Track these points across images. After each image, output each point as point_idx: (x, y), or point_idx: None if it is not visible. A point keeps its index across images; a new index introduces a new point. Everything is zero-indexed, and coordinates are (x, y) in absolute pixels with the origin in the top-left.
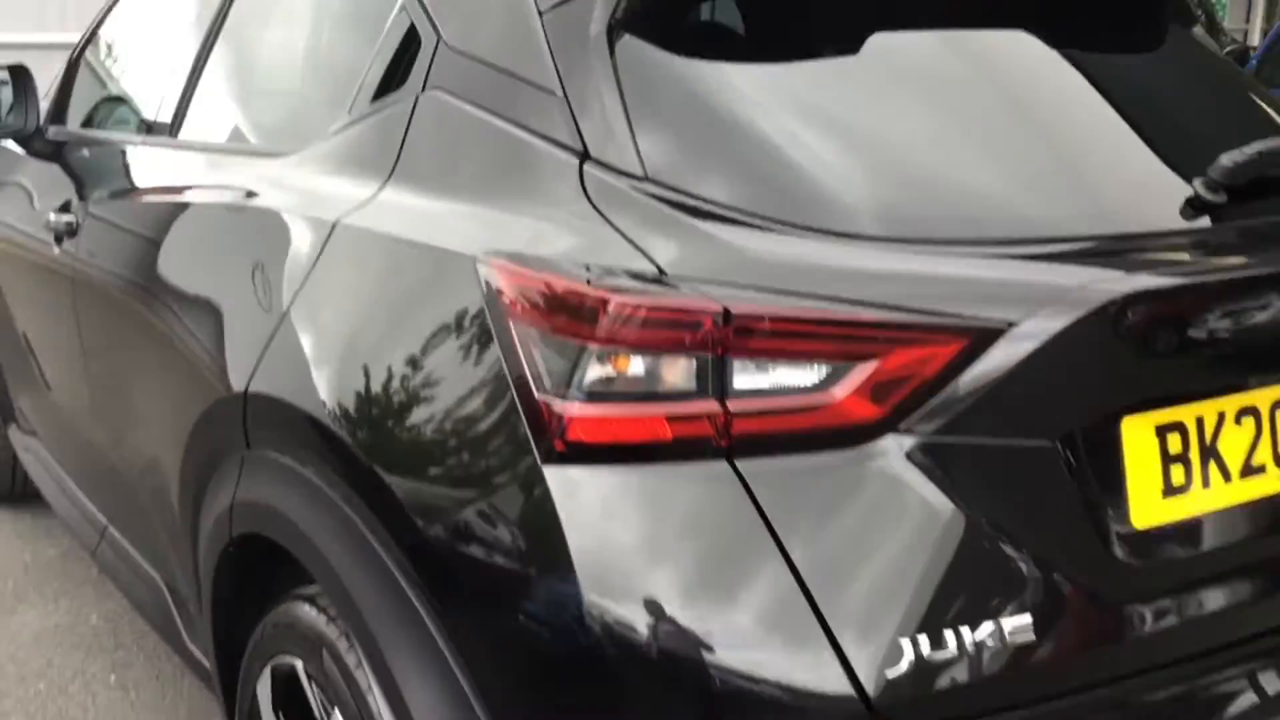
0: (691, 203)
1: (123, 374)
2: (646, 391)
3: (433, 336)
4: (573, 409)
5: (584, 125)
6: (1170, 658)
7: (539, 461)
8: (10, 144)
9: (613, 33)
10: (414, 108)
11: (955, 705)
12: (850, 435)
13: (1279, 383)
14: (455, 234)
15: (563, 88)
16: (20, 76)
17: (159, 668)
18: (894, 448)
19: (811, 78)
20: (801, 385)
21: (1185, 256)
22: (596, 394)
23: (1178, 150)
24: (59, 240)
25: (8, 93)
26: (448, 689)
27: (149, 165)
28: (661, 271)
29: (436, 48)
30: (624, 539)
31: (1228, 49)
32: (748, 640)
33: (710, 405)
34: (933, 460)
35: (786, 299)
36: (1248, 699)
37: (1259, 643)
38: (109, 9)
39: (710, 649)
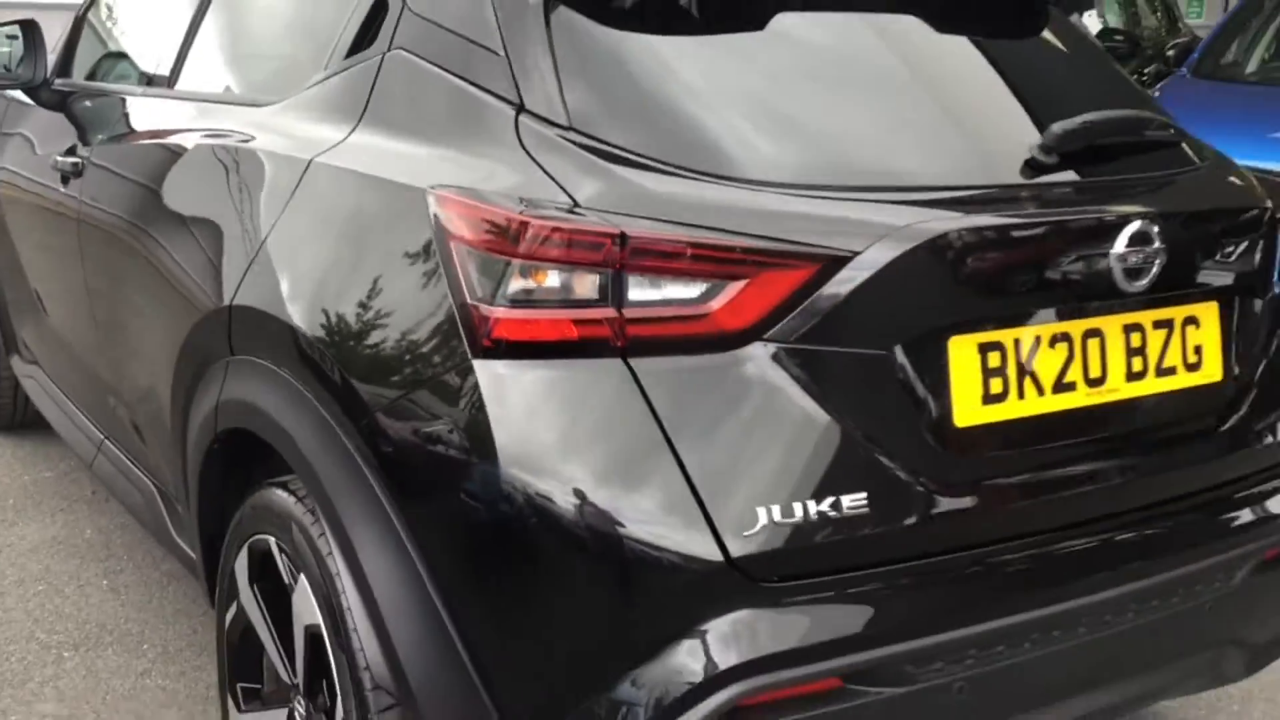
0: (605, 148)
1: (122, 299)
2: (558, 300)
3: (388, 255)
4: (498, 312)
5: (521, 81)
6: (990, 537)
7: (469, 356)
8: (19, 95)
9: (549, 3)
10: (380, 64)
11: (801, 563)
12: (723, 341)
13: (1088, 316)
14: (410, 171)
15: (505, 49)
16: (30, 30)
17: (146, 574)
18: (759, 352)
19: (714, 47)
20: (684, 298)
21: (1010, 205)
22: (517, 300)
23: (1027, 119)
24: (65, 180)
25: (19, 46)
26: (395, 551)
27: (148, 113)
28: (575, 203)
29: (402, 12)
30: (537, 422)
31: (1176, 42)
32: (636, 506)
33: (609, 312)
34: (789, 363)
35: (674, 227)
36: (1051, 580)
37: (1068, 532)
38: None
39: (605, 514)
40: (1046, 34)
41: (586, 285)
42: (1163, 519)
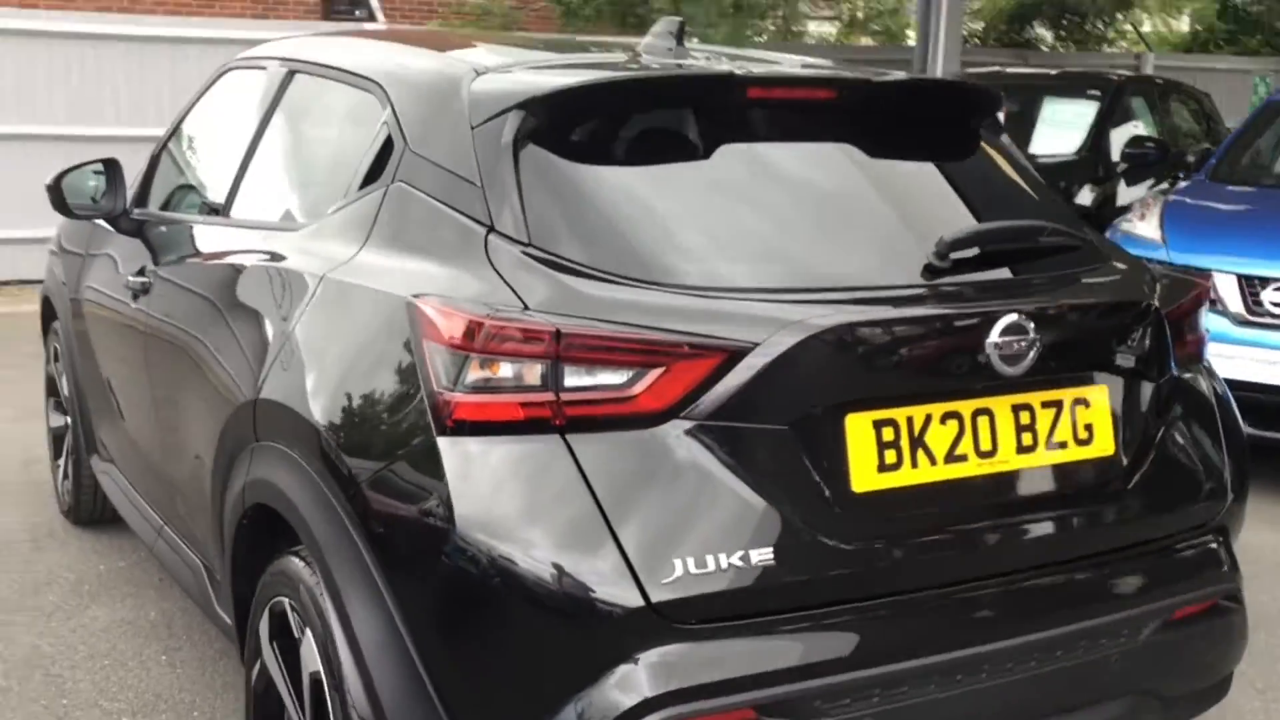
0: (556, 260)
1: (176, 398)
2: (507, 386)
3: (377, 353)
4: (458, 397)
5: (492, 206)
6: (892, 588)
7: (434, 435)
8: (103, 223)
9: (516, 143)
10: (385, 193)
11: (715, 608)
12: (644, 420)
13: (976, 396)
14: (398, 282)
15: (481, 180)
16: (111, 167)
17: (201, 651)
18: (675, 429)
19: (651, 174)
20: (611, 384)
21: (898, 302)
22: (475, 387)
23: (931, 228)
24: (135, 298)
25: (103, 182)
26: (377, 605)
27: (204, 238)
28: (525, 306)
29: (404, 151)
30: (490, 490)
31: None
32: (570, 560)
33: (549, 396)
34: (702, 437)
35: (603, 325)
36: (953, 628)
37: (969, 585)
38: (182, 116)
39: (544, 566)
40: (974, 153)
41: (530, 374)
42: (1061, 578)
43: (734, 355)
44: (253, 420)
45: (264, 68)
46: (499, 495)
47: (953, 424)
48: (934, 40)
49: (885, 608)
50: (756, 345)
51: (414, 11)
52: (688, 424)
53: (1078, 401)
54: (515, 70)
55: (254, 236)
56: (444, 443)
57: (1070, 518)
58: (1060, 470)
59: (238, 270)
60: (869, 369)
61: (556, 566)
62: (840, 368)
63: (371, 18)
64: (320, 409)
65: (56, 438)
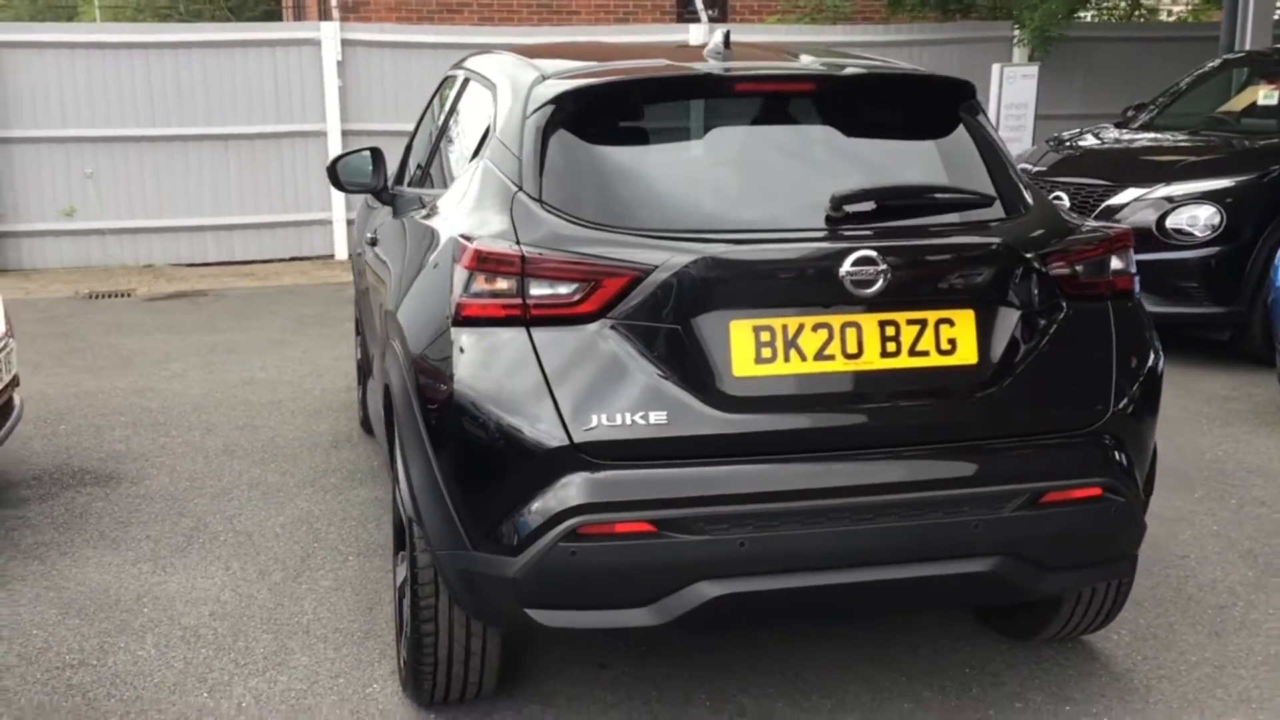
0: (552, 210)
1: (373, 321)
2: (494, 293)
3: (436, 274)
4: (463, 300)
5: (524, 172)
6: (767, 448)
7: (450, 326)
8: (372, 198)
9: (546, 128)
10: (478, 165)
11: (620, 451)
12: (582, 319)
13: (846, 312)
14: (456, 226)
15: (521, 154)
16: (375, 153)
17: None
18: (602, 326)
19: (626, 150)
20: (560, 294)
21: (780, 240)
22: (475, 294)
23: (850, 188)
24: (372, 246)
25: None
26: (419, 446)
27: (405, 201)
28: (518, 240)
29: (490, 136)
30: (478, 362)
31: None
32: (525, 412)
33: (518, 301)
34: (621, 332)
35: (556, 253)
36: (816, 481)
37: (836, 452)
38: (422, 112)
39: (509, 416)
40: (933, 132)
41: (508, 285)
42: (920, 454)
43: (642, 275)
44: (385, 326)
45: (456, 75)
46: (484, 368)
47: (823, 332)
48: (1242, 12)
49: (759, 462)
50: (656, 268)
51: (762, 8)
52: (611, 322)
53: (942, 321)
54: (568, 76)
55: (422, 198)
56: (454, 332)
57: (929, 409)
58: (921, 372)
59: (404, 223)
60: (749, 287)
61: (515, 416)
62: (723, 285)
63: (719, 18)
64: (406, 314)
65: (358, 366)
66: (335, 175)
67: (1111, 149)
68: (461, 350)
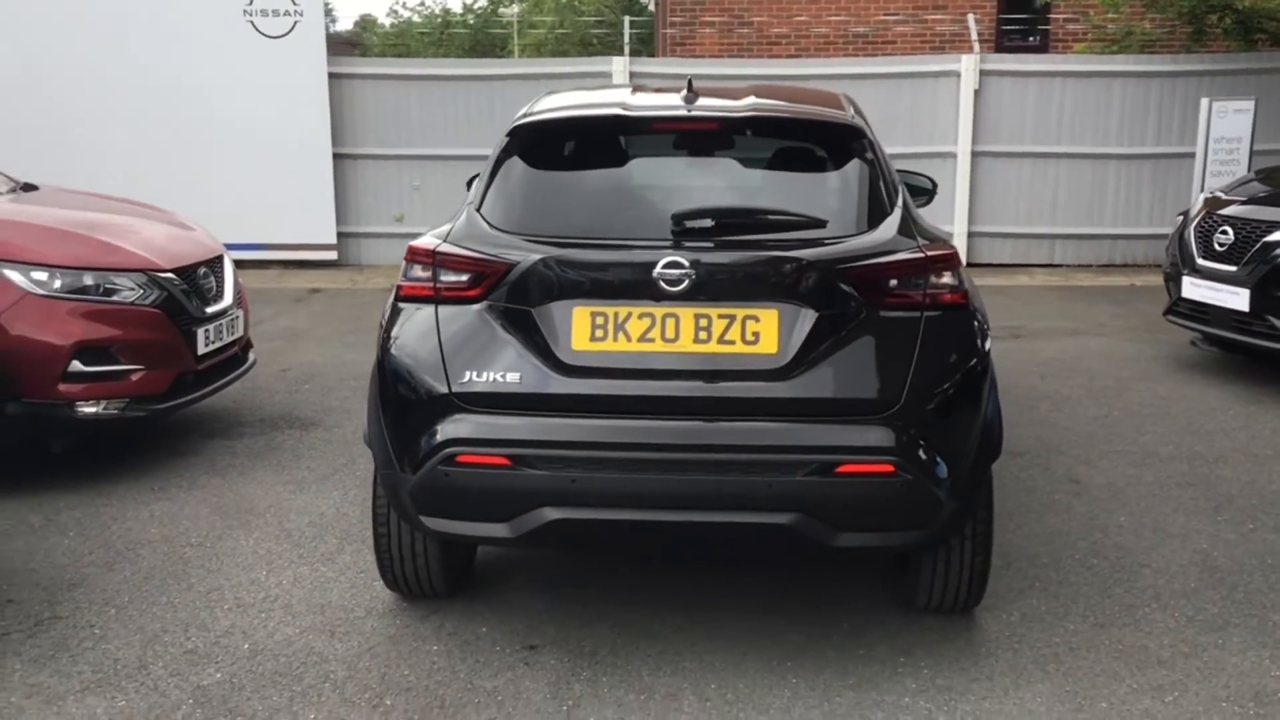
0: (485, 220)
1: None
2: (418, 278)
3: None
4: (401, 283)
5: (485, 194)
6: (597, 408)
7: (393, 301)
8: None
9: (500, 155)
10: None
11: (486, 402)
12: (471, 300)
13: (667, 305)
14: (442, 232)
15: (485, 174)
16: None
17: None
18: (480, 306)
19: (546, 173)
20: (459, 281)
21: (617, 247)
22: (409, 278)
23: (702, 206)
24: None
25: None
26: (371, 395)
27: None
28: (447, 240)
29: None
30: (404, 329)
31: None
32: (423, 366)
33: (432, 285)
34: (493, 311)
35: (465, 251)
36: (633, 437)
37: (652, 415)
38: None
39: (415, 369)
40: (812, 163)
41: (424, 271)
42: (723, 422)
43: (509, 269)
44: None
45: None
46: (406, 333)
47: (647, 319)
48: None
49: (588, 418)
50: (519, 264)
51: (1069, 35)
52: (488, 303)
53: (749, 317)
54: (544, 112)
55: None
56: (394, 305)
57: (733, 387)
58: (728, 357)
59: None
60: (587, 281)
61: (419, 370)
62: (568, 279)
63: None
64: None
65: None
66: None
67: None
68: (395, 319)
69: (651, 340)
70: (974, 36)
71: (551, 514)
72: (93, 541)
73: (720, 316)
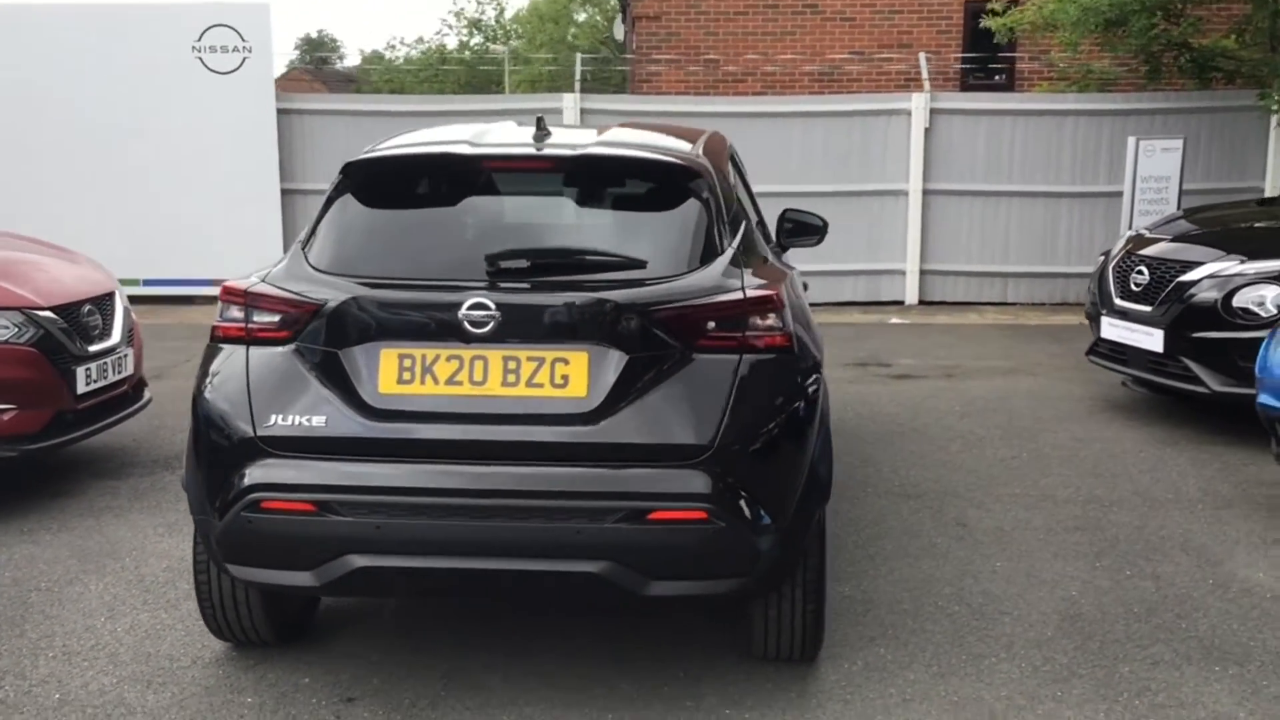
0: (309, 261)
1: None
2: (230, 318)
3: None
4: (216, 323)
5: (313, 233)
6: (404, 452)
7: (209, 342)
8: None
9: (331, 193)
10: None
11: (290, 446)
12: (280, 342)
13: (475, 347)
14: (256, 274)
15: (316, 216)
16: None
17: None
18: (289, 347)
19: (369, 213)
20: (270, 322)
21: (424, 287)
22: (223, 318)
23: (522, 246)
24: None
25: None
26: (189, 436)
27: None
28: (263, 280)
29: None
30: (214, 370)
31: None
32: (230, 407)
33: (243, 325)
34: (303, 353)
35: (277, 291)
36: (441, 483)
37: (457, 460)
38: None
39: (222, 408)
40: (647, 203)
41: (239, 311)
42: (528, 469)
43: (317, 309)
44: None
45: None
46: (215, 374)
47: (455, 362)
48: None
49: (393, 463)
50: (326, 303)
51: (1034, 74)
52: (296, 345)
53: (558, 359)
54: (381, 149)
55: None
56: (208, 346)
57: (542, 431)
58: (536, 400)
59: None
60: (394, 322)
61: (226, 413)
62: (375, 320)
63: (1006, 85)
64: None
65: None
66: None
67: (1226, 226)
68: (209, 360)
69: (459, 383)
70: (925, 75)
71: (357, 561)
72: None
73: (529, 359)
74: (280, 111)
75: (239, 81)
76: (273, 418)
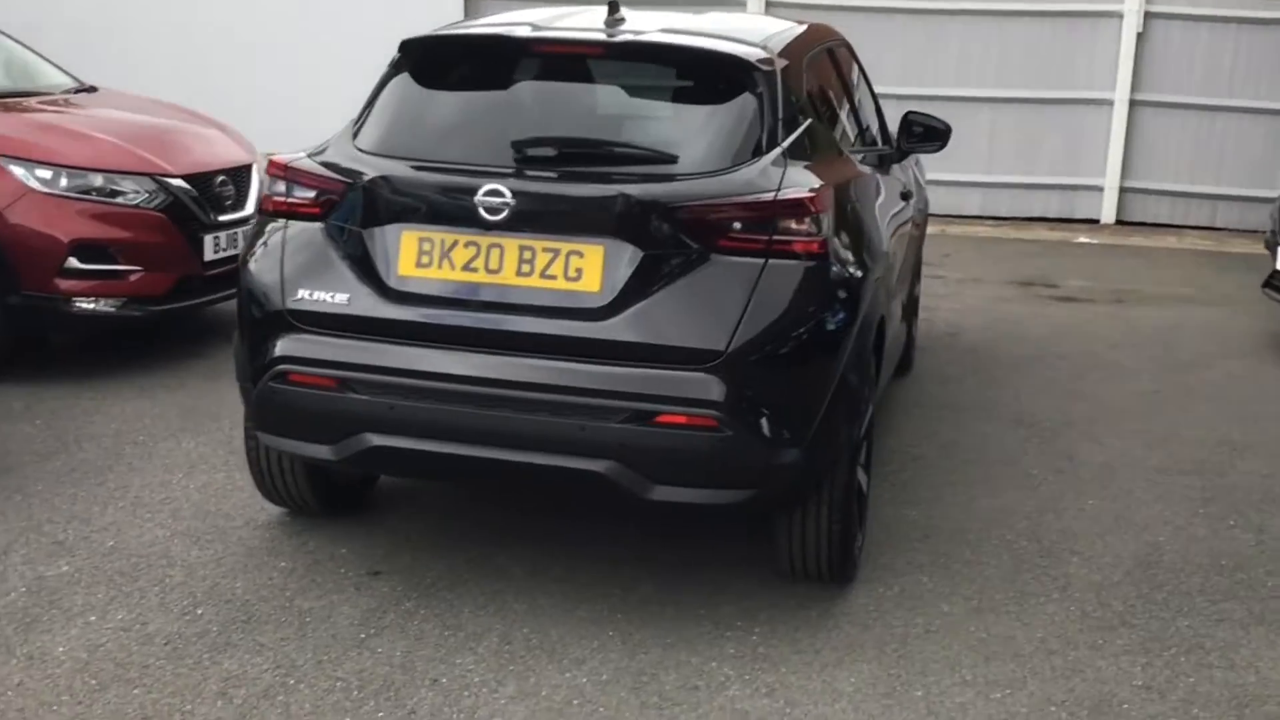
0: (353, 144)
1: None
2: (276, 193)
3: None
4: (264, 195)
5: (365, 112)
6: (420, 335)
7: (258, 215)
8: None
9: (386, 76)
10: None
11: (317, 322)
12: (314, 218)
13: (493, 234)
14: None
15: (370, 95)
16: None
17: None
18: (320, 224)
19: (419, 94)
20: (307, 198)
21: (447, 169)
22: (270, 193)
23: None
24: None
25: None
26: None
27: None
28: (309, 157)
29: None
30: (262, 241)
31: None
32: (269, 280)
33: (286, 200)
34: (331, 230)
35: (313, 167)
36: (456, 369)
37: (471, 346)
38: None
39: (261, 279)
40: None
41: (285, 185)
42: (538, 360)
43: (348, 188)
44: None
45: None
46: (259, 247)
47: (473, 249)
48: None
49: (411, 345)
50: (353, 183)
51: None
52: (325, 222)
53: (573, 252)
54: (444, 29)
55: None
56: (259, 218)
57: (553, 325)
58: (549, 293)
59: None
60: (415, 204)
61: (263, 285)
62: (397, 201)
63: None
64: None
65: None
66: None
67: None
68: (256, 233)
69: (475, 270)
70: None
71: (372, 439)
72: (51, 431)
73: (545, 250)
74: (468, 2)
75: None
76: (301, 293)
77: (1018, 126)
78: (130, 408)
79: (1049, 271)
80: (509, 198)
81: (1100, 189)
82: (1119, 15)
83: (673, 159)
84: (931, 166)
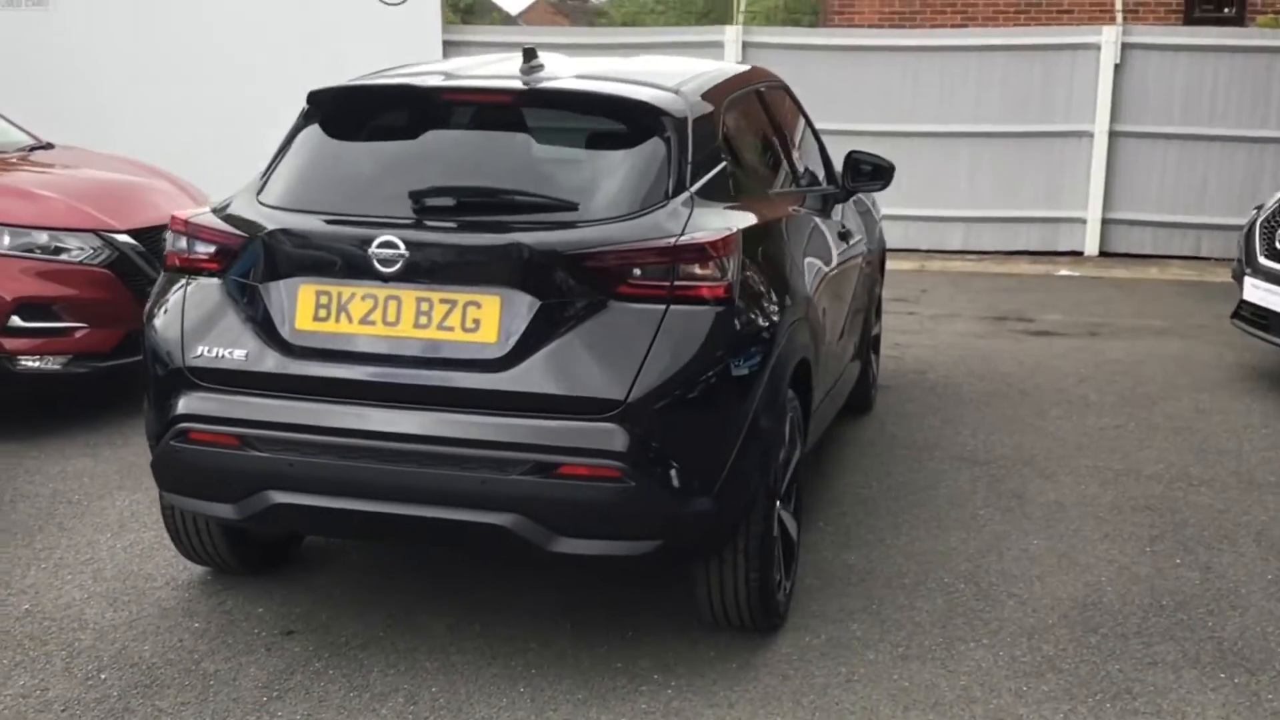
0: (261, 200)
1: None
2: (178, 249)
3: None
4: (169, 252)
5: (272, 165)
6: (312, 390)
7: (162, 271)
8: None
9: (296, 127)
10: None
11: (216, 379)
12: (212, 273)
13: (390, 286)
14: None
15: (278, 148)
16: None
17: None
18: (217, 279)
19: (323, 145)
20: (206, 253)
21: (341, 222)
22: (172, 249)
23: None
24: None
25: None
26: None
27: None
28: (211, 212)
29: None
30: (163, 297)
31: None
32: (167, 337)
33: (186, 256)
34: (225, 285)
35: (213, 221)
36: (351, 423)
37: (368, 401)
38: None
39: (160, 338)
40: (597, 142)
41: (184, 244)
42: (433, 415)
43: (247, 242)
44: None
45: None
46: (160, 303)
47: (370, 301)
48: None
49: (312, 400)
50: (250, 237)
51: (1266, 6)
52: (221, 276)
53: (470, 303)
54: (353, 80)
55: None
56: (163, 275)
57: (451, 377)
58: (447, 344)
59: None
60: (311, 257)
61: (164, 342)
62: (293, 254)
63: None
64: None
65: None
66: None
67: None
68: (159, 289)
69: (373, 323)
70: (1118, 6)
71: (275, 497)
72: None
73: (442, 301)
74: (446, 44)
75: (406, 13)
76: (200, 349)
77: (999, 160)
78: (72, 466)
79: (1025, 306)
80: (403, 249)
81: (1083, 221)
82: (1096, 47)
83: (574, 206)
84: (912, 202)
